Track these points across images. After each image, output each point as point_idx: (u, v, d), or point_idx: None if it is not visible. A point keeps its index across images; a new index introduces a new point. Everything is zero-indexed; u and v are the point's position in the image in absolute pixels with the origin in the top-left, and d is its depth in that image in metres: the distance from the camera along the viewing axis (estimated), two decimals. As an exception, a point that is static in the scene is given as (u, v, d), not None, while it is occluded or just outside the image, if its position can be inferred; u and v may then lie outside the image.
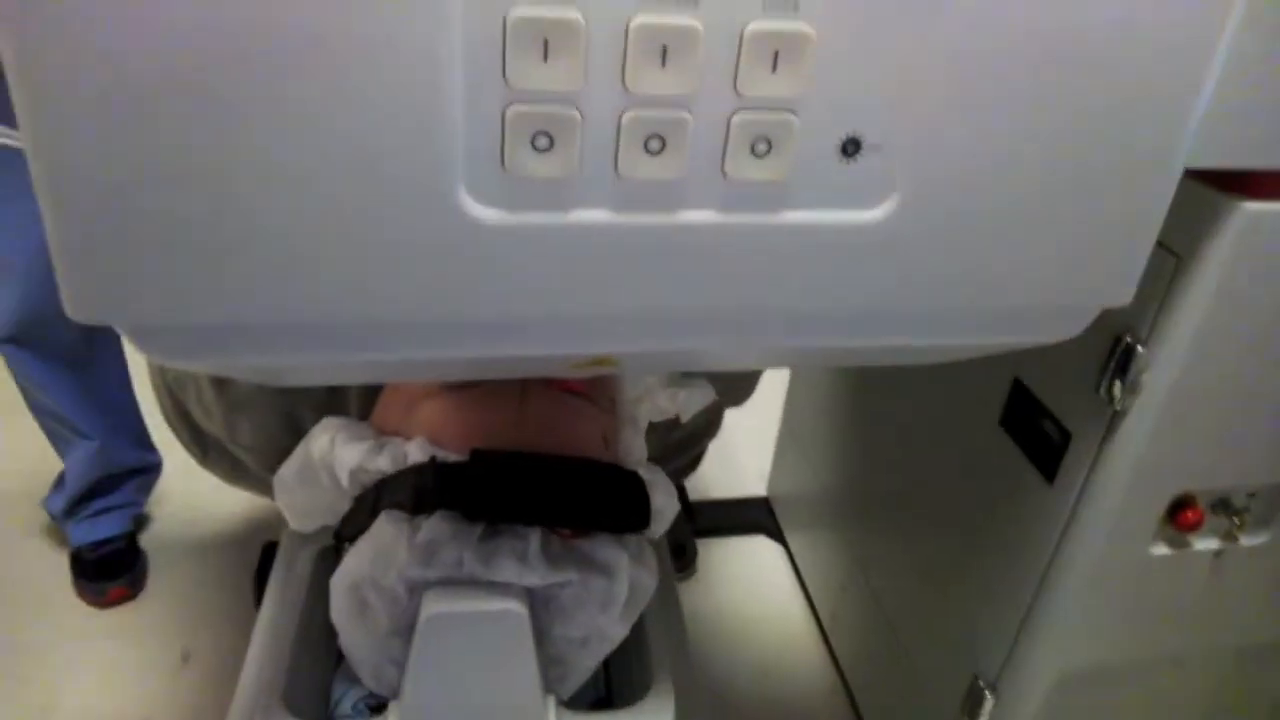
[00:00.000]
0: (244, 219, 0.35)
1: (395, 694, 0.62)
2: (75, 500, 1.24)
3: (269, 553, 0.84)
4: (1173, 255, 0.56)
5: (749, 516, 1.41)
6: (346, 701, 0.68)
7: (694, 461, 1.02)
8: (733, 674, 1.17)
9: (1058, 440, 0.68)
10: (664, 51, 0.35)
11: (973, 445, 0.81)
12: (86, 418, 1.19)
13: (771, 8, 0.35)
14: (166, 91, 0.32)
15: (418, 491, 0.60)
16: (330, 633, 0.65)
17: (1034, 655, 0.75)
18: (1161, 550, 0.69)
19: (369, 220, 0.36)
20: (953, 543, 0.86)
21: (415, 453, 0.63)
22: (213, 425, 0.78)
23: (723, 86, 0.36)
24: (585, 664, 0.64)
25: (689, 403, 0.75)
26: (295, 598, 0.75)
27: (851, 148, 0.39)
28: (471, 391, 0.66)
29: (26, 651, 1.15)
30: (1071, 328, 0.48)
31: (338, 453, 0.65)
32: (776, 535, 1.38)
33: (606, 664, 0.68)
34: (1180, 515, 0.67)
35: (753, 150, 0.38)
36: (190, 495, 1.37)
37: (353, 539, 0.64)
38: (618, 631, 0.63)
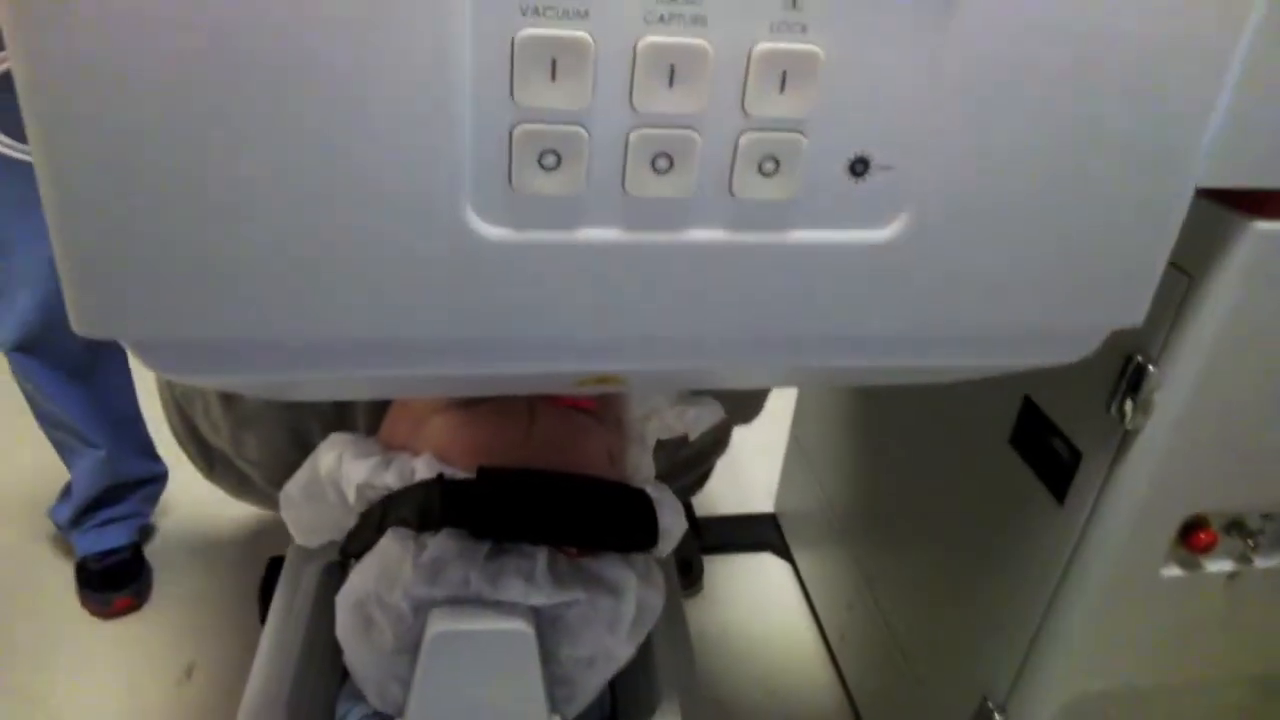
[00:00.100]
0: (250, 236, 0.35)
1: (400, 712, 0.61)
2: (81, 510, 1.24)
3: (274, 568, 0.84)
4: (1184, 275, 0.56)
5: (756, 533, 1.40)
6: (351, 719, 0.68)
7: (701, 479, 1.01)
8: (739, 692, 1.16)
9: (1068, 459, 0.68)
10: (672, 71, 0.35)
11: (982, 464, 0.80)
12: (93, 427, 1.19)
13: (780, 28, 0.35)
14: (173, 110, 0.32)
15: (424, 508, 0.60)
16: (335, 650, 0.65)
17: (1044, 677, 0.74)
18: (1174, 572, 0.68)
19: (375, 238, 0.36)
20: (961, 562, 0.85)
21: (423, 469, 0.63)
22: (220, 440, 0.78)
23: (731, 106, 0.36)
24: (592, 684, 0.64)
25: (697, 421, 0.75)
26: (300, 614, 0.75)
27: (860, 167, 0.38)
28: (479, 408, 0.66)
29: (30, 662, 1.15)
30: (1082, 349, 0.48)
31: (345, 468, 0.65)
32: (784, 552, 1.37)
33: (613, 683, 0.68)
34: (1193, 537, 0.66)
35: (761, 169, 0.37)
36: (196, 506, 1.37)
37: (359, 555, 0.63)
38: (624, 651, 0.63)
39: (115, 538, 1.26)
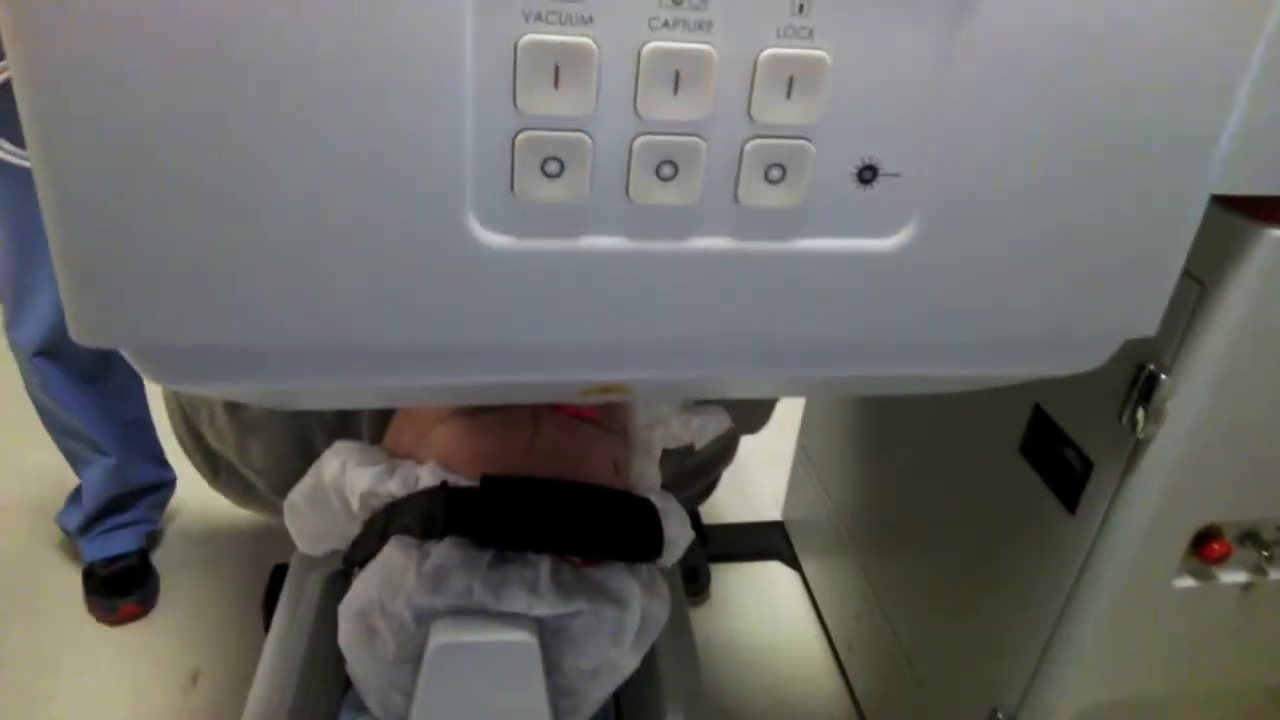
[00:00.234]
0: (249, 245, 0.35)
1: (402, 723, 0.61)
2: (91, 517, 1.24)
3: (278, 576, 0.83)
4: (1197, 283, 0.55)
5: (764, 541, 1.40)
6: (353, 729, 0.67)
7: (708, 489, 1.01)
8: (746, 702, 1.16)
9: (1079, 469, 0.67)
10: (677, 77, 0.34)
11: (992, 472, 0.79)
12: (106, 434, 1.19)
13: (786, 33, 0.34)
14: (172, 115, 0.32)
15: (427, 516, 0.60)
16: (338, 659, 0.64)
17: (1054, 689, 0.73)
18: (1186, 583, 0.67)
19: (376, 246, 0.36)
20: (971, 571, 0.84)
21: (427, 477, 0.62)
22: (225, 447, 0.78)
23: (736, 112, 0.36)
24: (596, 695, 0.63)
25: (703, 430, 0.74)
26: (304, 622, 0.74)
27: (868, 174, 0.38)
28: (484, 416, 0.65)
29: (36, 667, 1.15)
30: (1094, 359, 0.47)
31: (349, 476, 0.65)
32: (791, 561, 1.36)
33: (617, 694, 0.67)
34: (1206, 547, 0.65)
35: (766, 177, 0.37)
36: (203, 511, 1.37)
37: (362, 564, 0.63)
38: (629, 663, 0.62)
39: (123, 544, 1.26)
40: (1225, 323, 0.55)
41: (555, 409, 0.66)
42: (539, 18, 0.33)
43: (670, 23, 0.33)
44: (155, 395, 1.16)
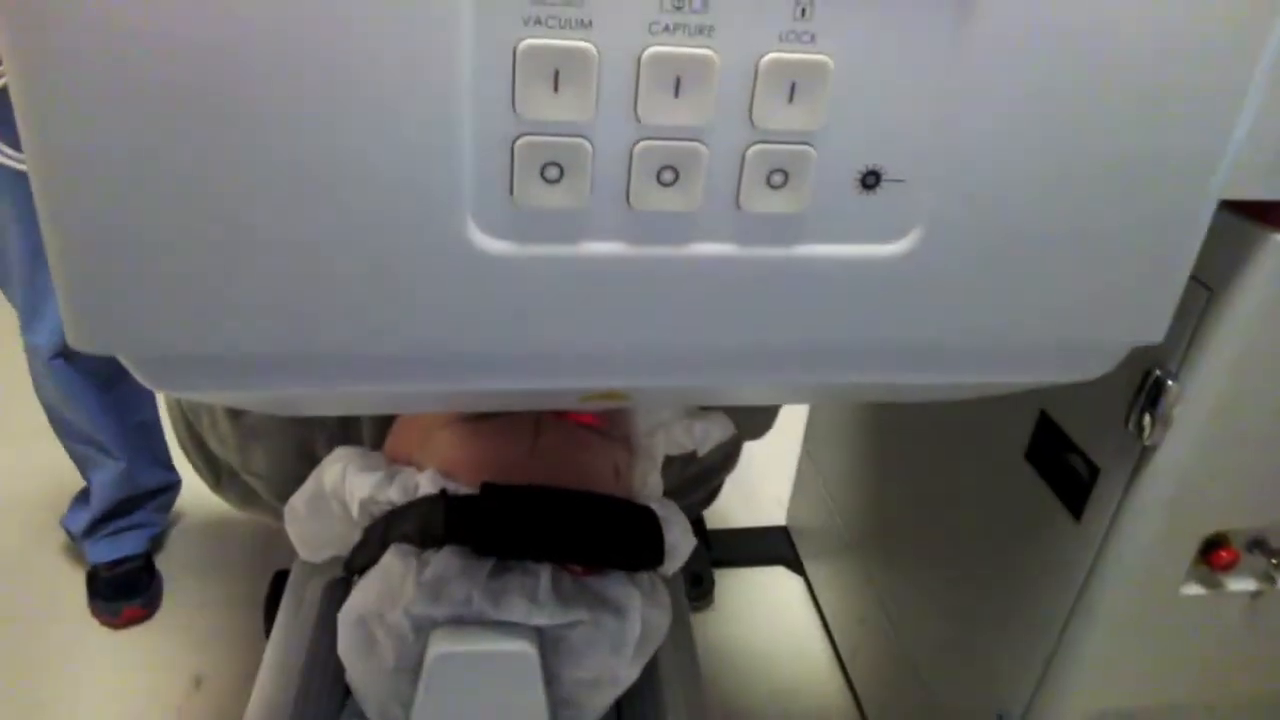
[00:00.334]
0: (247, 251, 0.35)
1: (402, 731, 0.60)
2: (97, 520, 1.24)
3: (279, 581, 0.83)
4: (1205, 288, 0.55)
5: (768, 546, 1.39)
6: (353, 737, 0.67)
7: (711, 495, 1.00)
8: (750, 708, 1.15)
9: (1085, 475, 0.66)
10: (677, 82, 0.34)
11: (997, 478, 0.79)
12: (116, 438, 1.20)
13: (788, 37, 0.34)
14: (169, 119, 0.32)
15: (426, 524, 0.59)
16: (338, 667, 0.64)
17: (1059, 696, 0.72)
18: (1194, 590, 0.67)
19: (374, 252, 0.36)
20: (976, 578, 0.84)
21: (426, 484, 0.62)
22: (227, 452, 0.77)
23: (738, 117, 0.35)
24: (596, 705, 0.62)
25: (706, 436, 0.74)
26: (304, 630, 0.74)
27: (871, 180, 0.38)
28: (485, 423, 0.65)
29: (40, 670, 1.15)
30: (1100, 366, 0.47)
31: (349, 482, 0.65)
32: (796, 566, 1.36)
33: (619, 704, 0.67)
34: (1214, 555, 0.65)
35: (769, 182, 0.37)
36: (208, 514, 1.37)
37: (362, 571, 0.63)
38: (629, 673, 0.61)
39: (128, 546, 1.26)
40: (1233, 328, 0.54)
41: (557, 415, 0.66)
42: (538, 22, 0.32)
43: (671, 27, 0.33)
44: (161, 397, 1.16)
